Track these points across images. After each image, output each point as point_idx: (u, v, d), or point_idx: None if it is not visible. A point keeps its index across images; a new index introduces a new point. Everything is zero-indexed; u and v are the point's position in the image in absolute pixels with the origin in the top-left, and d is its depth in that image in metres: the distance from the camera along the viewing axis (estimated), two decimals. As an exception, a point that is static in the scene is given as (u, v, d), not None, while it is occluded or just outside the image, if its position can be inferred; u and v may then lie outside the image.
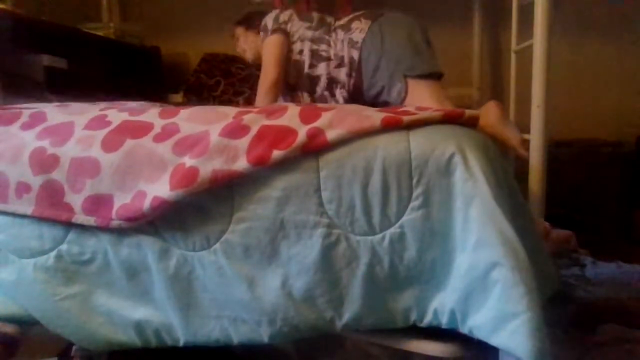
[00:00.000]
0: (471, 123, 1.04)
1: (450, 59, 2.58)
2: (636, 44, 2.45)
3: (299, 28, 1.86)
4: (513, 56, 2.27)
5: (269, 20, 1.89)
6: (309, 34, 1.84)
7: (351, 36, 1.77)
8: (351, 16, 1.84)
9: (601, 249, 1.99)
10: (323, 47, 1.82)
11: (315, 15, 1.90)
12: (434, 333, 0.94)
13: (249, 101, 2.37)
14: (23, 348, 1.16)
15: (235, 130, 0.96)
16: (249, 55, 2.06)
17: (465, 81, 2.60)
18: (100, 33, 2.39)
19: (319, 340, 1.31)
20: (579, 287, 1.80)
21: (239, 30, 2.07)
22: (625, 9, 2.43)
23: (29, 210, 1.02)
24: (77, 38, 2.25)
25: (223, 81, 2.57)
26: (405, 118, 0.94)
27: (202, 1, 2.79)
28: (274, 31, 1.86)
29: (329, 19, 1.89)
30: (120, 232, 0.99)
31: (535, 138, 1.67)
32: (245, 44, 2.05)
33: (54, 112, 1.14)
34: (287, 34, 1.85)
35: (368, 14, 1.82)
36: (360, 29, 1.76)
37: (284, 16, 1.89)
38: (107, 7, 2.75)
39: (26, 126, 1.10)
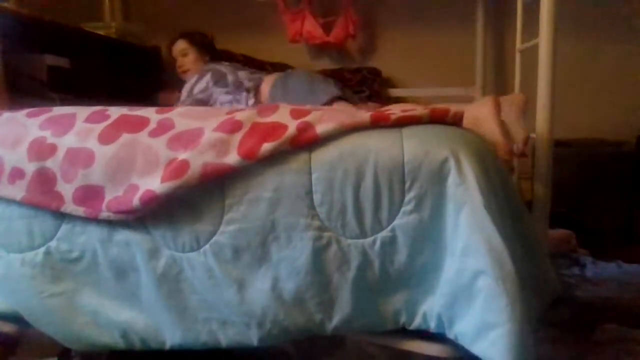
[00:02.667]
0: (456, 120, 1.03)
1: (454, 58, 2.59)
2: (637, 44, 2.43)
3: (218, 95, 2.00)
4: (517, 55, 2.25)
5: (185, 89, 2.06)
6: (227, 98, 1.99)
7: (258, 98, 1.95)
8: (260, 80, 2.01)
9: (601, 249, 1.99)
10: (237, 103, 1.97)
11: (229, 78, 2.02)
12: (434, 333, 0.94)
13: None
14: (23, 348, 1.17)
15: (229, 127, 0.96)
16: (188, 75, 2.18)
17: (468, 81, 2.58)
18: (102, 32, 2.39)
19: (319, 340, 1.31)
20: (579, 287, 1.80)
21: (184, 44, 2.25)
22: (626, 8, 2.41)
23: (19, 195, 1.01)
24: (79, 37, 2.26)
25: None
26: (393, 116, 0.94)
27: (203, 1, 2.79)
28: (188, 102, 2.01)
29: (246, 83, 2.01)
30: (110, 230, 0.99)
31: (541, 137, 1.66)
32: (189, 62, 2.23)
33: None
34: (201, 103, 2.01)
35: (271, 77, 2.01)
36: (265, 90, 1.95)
37: (201, 85, 2.03)
38: (110, 7, 2.75)
39: (32, 114, 1.10)
